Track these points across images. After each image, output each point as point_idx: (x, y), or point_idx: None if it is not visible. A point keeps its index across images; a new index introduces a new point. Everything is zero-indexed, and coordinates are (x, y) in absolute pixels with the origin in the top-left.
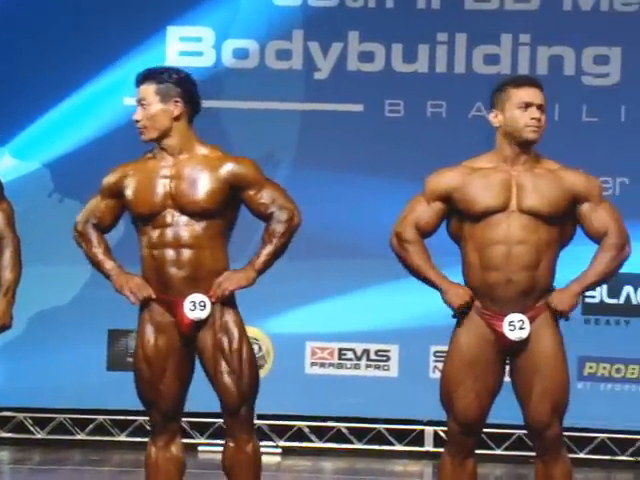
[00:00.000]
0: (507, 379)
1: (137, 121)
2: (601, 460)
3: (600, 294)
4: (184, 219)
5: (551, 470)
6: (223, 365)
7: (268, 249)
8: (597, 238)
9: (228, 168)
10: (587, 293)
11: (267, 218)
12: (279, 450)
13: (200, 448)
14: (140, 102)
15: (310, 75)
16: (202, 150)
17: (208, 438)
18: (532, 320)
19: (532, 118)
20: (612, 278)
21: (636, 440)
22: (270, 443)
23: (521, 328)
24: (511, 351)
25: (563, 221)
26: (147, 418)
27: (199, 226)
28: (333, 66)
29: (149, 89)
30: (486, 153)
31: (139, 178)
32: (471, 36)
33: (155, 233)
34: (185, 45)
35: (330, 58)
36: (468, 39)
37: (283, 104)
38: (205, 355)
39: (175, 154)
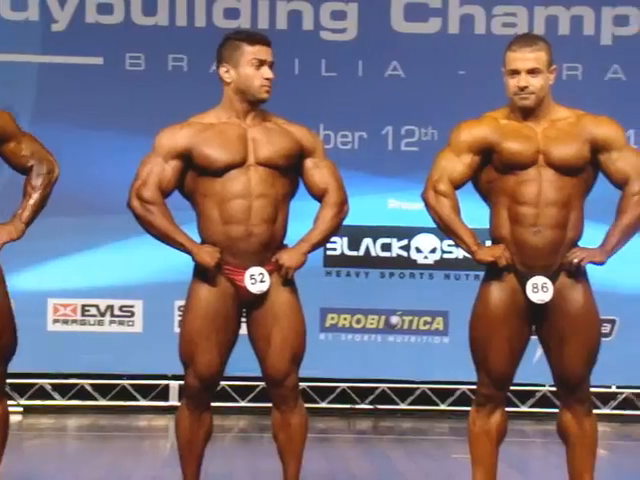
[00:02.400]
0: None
1: None
2: (342, 409)
3: (340, 246)
4: None
5: (289, 419)
6: None
7: (32, 201)
8: (317, 195)
9: None
10: (328, 245)
11: (28, 170)
12: (20, 409)
13: None
14: None
15: (47, 26)
16: None
17: None
18: (271, 273)
19: (266, 78)
20: (335, 233)
21: (375, 388)
22: (11, 402)
23: (262, 281)
24: (250, 304)
25: (294, 175)
26: None
27: None
28: (71, 18)
29: None
30: (214, 108)
31: None
32: None
33: None
34: None
35: (68, 9)
36: None
37: (19, 56)
38: None
39: None
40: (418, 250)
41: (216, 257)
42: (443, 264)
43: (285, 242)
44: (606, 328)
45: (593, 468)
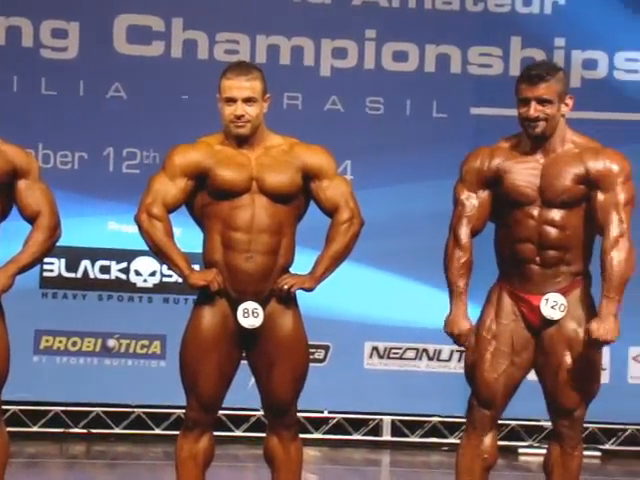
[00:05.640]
0: None
1: None
2: (55, 433)
3: (58, 267)
4: None
5: None
6: None
7: None
8: (29, 217)
9: None
10: (45, 267)
11: None
12: None
13: None
14: None
15: None
16: None
17: None
18: None
19: None
20: (45, 257)
21: (89, 412)
22: None
23: None
24: None
25: (5, 196)
26: None
27: None
28: None
29: None
30: None
31: None
32: None
33: None
34: None
35: None
36: None
37: None
38: None
39: None
40: (137, 273)
41: None
42: (162, 288)
43: None
44: (320, 354)
45: None
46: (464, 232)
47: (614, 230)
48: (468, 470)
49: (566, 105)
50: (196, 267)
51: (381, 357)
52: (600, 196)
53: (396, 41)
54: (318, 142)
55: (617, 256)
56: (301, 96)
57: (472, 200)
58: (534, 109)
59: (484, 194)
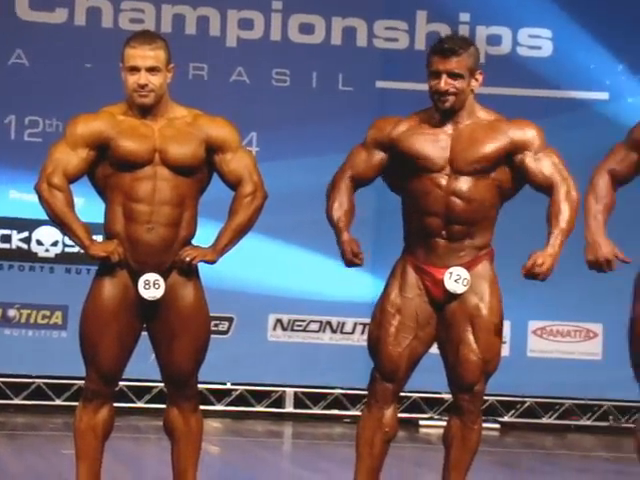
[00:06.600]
0: None
1: None
2: None
3: None
4: None
5: None
6: None
7: None
8: None
9: None
10: None
11: None
12: None
13: None
14: None
15: None
16: None
17: None
18: None
19: None
20: None
21: None
22: None
23: None
24: None
25: None
26: None
27: None
28: None
29: None
30: None
31: None
32: None
33: None
34: None
35: None
36: None
37: None
38: None
39: None
40: (39, 243)
41: None
42: (64, 258)
43: None
44: (224, 325)
45: (197, 464)
46: (343, 176)
47: (562, 186)
48: (369, 442)
49: (476, 80)
50: (98, 238)
51: (285, 329)
52: (532, 160)
53: (302, 13)
54: (224, 113)
55: (569, 206)
56: (207, 67)
57: (361, 155)
58: (445, 82)
59: (376, 155)
